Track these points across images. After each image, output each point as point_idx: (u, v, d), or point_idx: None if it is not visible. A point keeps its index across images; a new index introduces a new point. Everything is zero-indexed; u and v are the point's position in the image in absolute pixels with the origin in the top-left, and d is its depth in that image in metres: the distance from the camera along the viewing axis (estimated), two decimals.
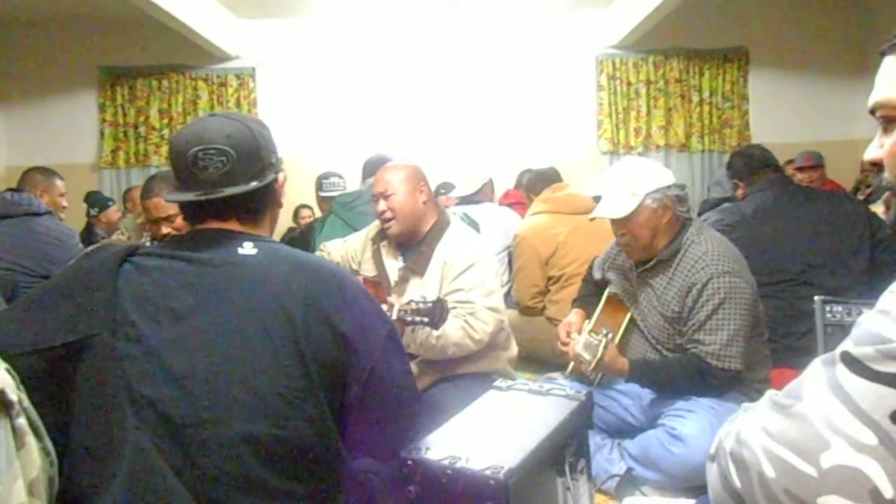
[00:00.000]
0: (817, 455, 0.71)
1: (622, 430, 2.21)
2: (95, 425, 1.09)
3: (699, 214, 5.34)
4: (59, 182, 3.43)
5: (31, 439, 0.81)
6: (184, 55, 6.74)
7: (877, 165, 0.87)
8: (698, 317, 1.99)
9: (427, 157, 6.74)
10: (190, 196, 1.24)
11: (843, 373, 0.72)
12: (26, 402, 0.83)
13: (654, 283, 2.14)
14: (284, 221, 6.80)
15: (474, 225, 3.58)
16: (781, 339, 2.85)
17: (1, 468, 0.75)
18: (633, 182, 2.09)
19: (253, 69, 6.93)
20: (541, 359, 3.32)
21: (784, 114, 7.01)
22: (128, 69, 6.86)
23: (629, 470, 2.00)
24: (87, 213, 5.23)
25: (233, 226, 1.27)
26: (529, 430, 1.36)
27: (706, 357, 1.96)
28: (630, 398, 2.20)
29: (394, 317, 2.08)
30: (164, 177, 2.62)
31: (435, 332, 2.09)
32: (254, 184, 1.27)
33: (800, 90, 7.07)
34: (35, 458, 0.81)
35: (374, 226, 2.60)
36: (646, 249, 2.14)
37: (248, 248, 1.22)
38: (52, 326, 1.13)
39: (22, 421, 0.81)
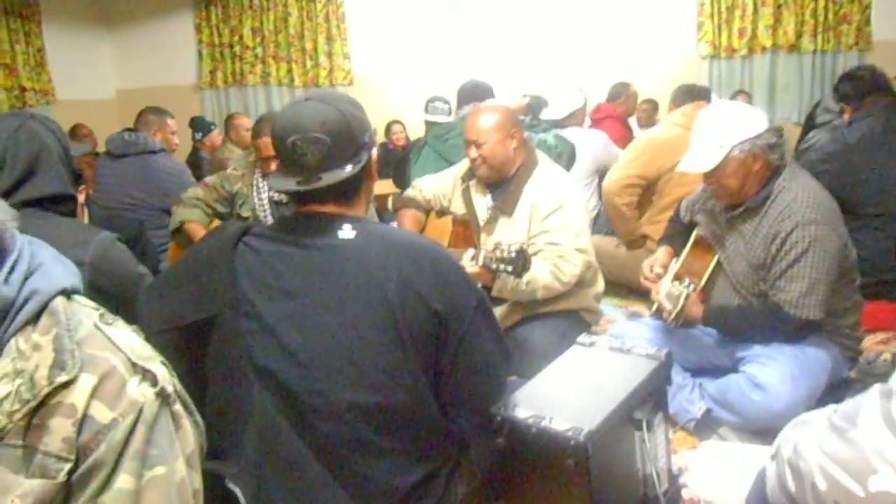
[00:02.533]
0: (866, 478, 0.78)
1: (704, 370, 2.27)
2: (226, 392, 1.28)
3: (804, 135, 5.07)
4: (170, 121, 3.66)
5: (185, 420, 0.98)
6: None
7: None
8: (781, 264, 1.99)
9: (518, 71, 6.62)
10: (292, 184, 1.36)
11: None
12: (179, 386, 1.00)
13: (742, 228, 2.13)
14: (378, 136, 6.93)
15: (568, 147, 3.54)
16: (881, 273, 2.78)
17: (165, 451, 0.92)
18: (720, 133, 2.04)
19: None
20: (628, 286, 3.37)
21: None
22: None
23: (708, 411, 2.08)
24: (193, 137, 5.52)
25: (330, 208, 1.38)
26: (610, 391, 1.46)
27: (784, 305, 1.97)
28: (713, 338, 2.24)
29: (480, 263, 2.18)
30: (273, 117, 2.76)
31: (525, 278, 2.18)
32: (349, 168, 1.37)
33: None
34: (189, 434, 0.98)
35: (464, 164, 2.66)
36: (735, 196, 2.12)
37: (347, 232, 1.34)
38: (183, 306, 1.32)
39: (178, 407, 0.97)
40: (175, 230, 2.80)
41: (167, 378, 0.97)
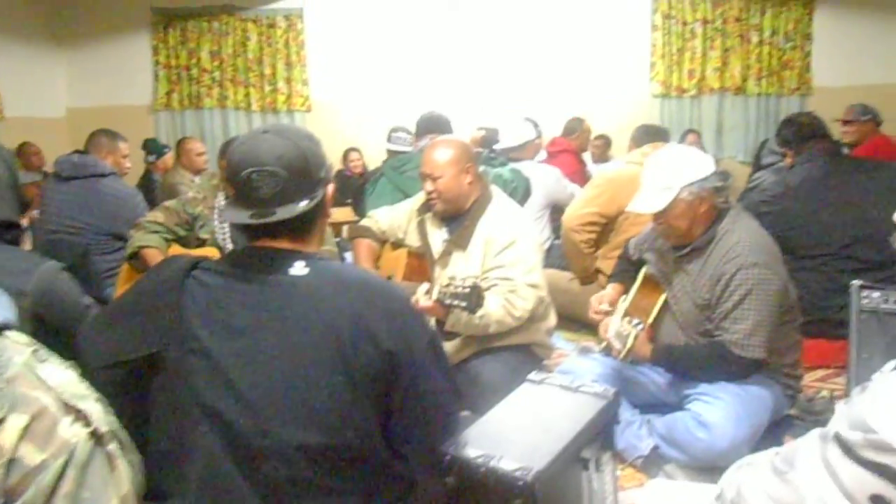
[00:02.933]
0: None
1: (652, 405, 2.31)
2: (170, 430, 1.25)
3: (751, 175, 5.26)
4: (122, 144, 3.60)
5: (120, 461, 0.96)
6: None
7: None
8: (725, 306, 2.05)
9: (475, 103, 6.73)
10: (245, 217, 1.34)
11: (835, 453, 0.81)
12: (116, 425, 0.97)
13: (688, 268, 2.19)
14: (334, 164, 6.93)
15: (523, 181, 3.58)
16: (819, 311, 2.88)
17: (98, 494, 0.89)
18: (669, 175, 2.11)
19: (301, 10, 6.93)
20: (580, 320, 3.41)
21: (849, 55, 6.72)
22: (179, 10, 6.95)
23: (655, 447, 2.12)
24: (145, 160, 5.44)
25: (284, 243, 1.37)
26: (558, 430, 1.47)
27: (729, 345, 2.03)
28: (661, 375, 2.29)
29: (434, 297, 2.19)
30: (229, 149, 2.75)
31: (478, 313, 2.20)
32: (304, 203, 1.36)
33: (868, 29, 6.74)
34: (124, 475, 0.96)
35: (420, 196, 2.68)
36: (682, 236, 2.19)
37: (299, 268, 1.32)
38: (129, 340, 1.28)
39: (113, 447, 0.95)
40: (131, 255, 2.74)
41: (102, 417, 0.94)
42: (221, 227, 2.74)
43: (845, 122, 5.12)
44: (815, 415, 2.40)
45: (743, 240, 2.06)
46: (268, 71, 7.02)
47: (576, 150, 5.71)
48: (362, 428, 1.27)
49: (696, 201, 2.11)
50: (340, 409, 1.24)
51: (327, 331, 1.26)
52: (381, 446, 1.32)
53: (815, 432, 0.86)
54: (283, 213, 1.34)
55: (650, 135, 3.68)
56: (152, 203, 4.93)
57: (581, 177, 5.34)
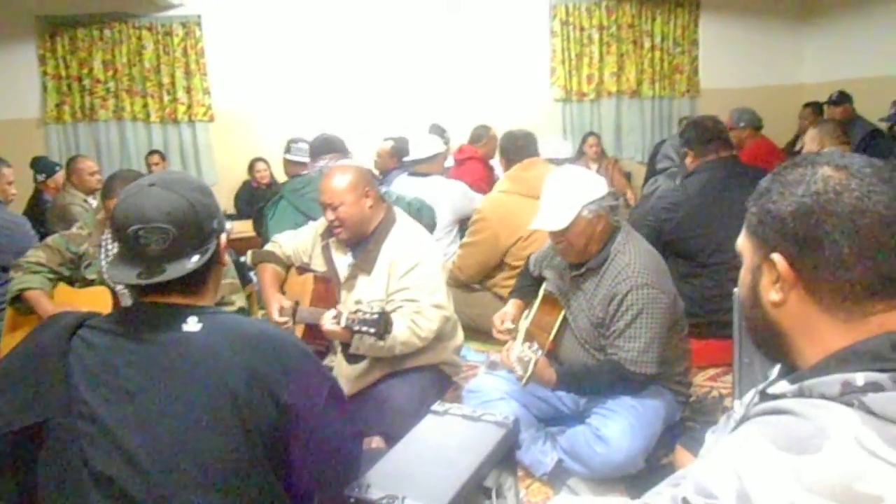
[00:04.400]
0: None
1: (555, 418, 2.41)
2: (59, 502, 1.21)
3: (646, 180, 5.50)
4: (6, 170, 3.41)
5: None
6: (124, 2, 6.51)
7: None
8: (618, 325, 2.17)
9: (380, 110, 6.73)
10: (132, 277, 1.31)
11: None
12: None
13: (584, 287, 2.30)
14: (240, 175, 6.78)
15: (427, 210, 3.62)
16: (711, 314, 3.06)
17: None
18: (570, 194, 2.21)
19: (199, 17, 6.71)
20: (487, 331, 3.49)
21: (733, 59, 7.13)
22: (66, 18, 6.58)
23: (559, 461, 2.21)
24: (34, 179, 5.14)
25: (175, 299, 1.35)
26: (461, 463, 1.52)
27: (624, 363, 2.15)
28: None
29: (342, 324, 2.21)
30: (124, 177, 2.65)
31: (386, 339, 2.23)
32: (195, 258, 1.33)
33: (748, 35, 7.18)
34: None
35: (323, 221, 2.68)
36: (580, 254, 2.29)
37: (192, 324, 1.30)
38: (10, 410, 1.23)
39: None
40: (14, 297, 2.59)
41: None
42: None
43: (731, 129, 5.43)
44: (705, 415, 2.57)
45: (633, 261, 2.18)
46: (166, 80, 6.76)
47: (483, 157, 5.80)
48: (263, 485, 1.27)
49: (594, 219, 2.22)
50: (239, 468, 1.24)
51: (222, 388, 1.25)
52: (284, 501, 1.33)
53: (668, 494, 0.91)
54: (173, 270, 1.32)
55: (518, 149, 3.69)
56: (44, 225, 4.71)
57: (488, 183, 5.43)
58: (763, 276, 0.91)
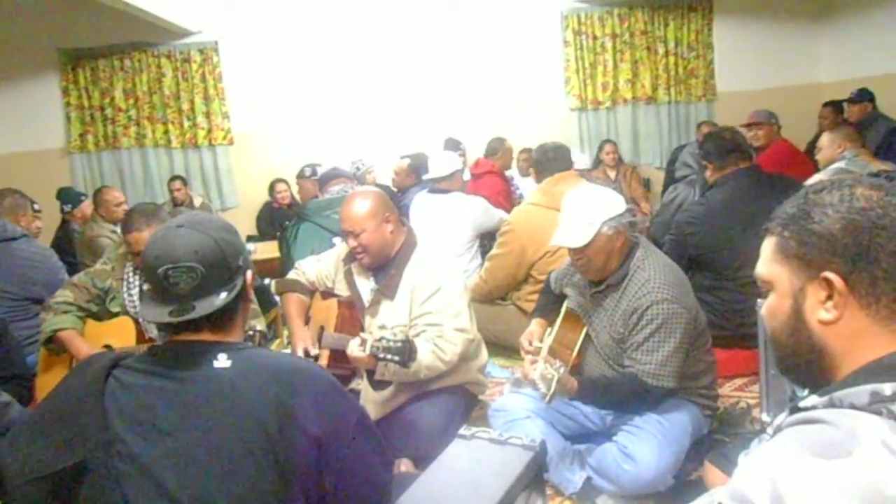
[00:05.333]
0: None
1: (582, 435, 2.41)
2: None
3: (665, 187, 5.48)
4: (32, 204, 3.49)
5: None
6: (143, 32, 6.63)
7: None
8: (637, 338, 2.18)
9: (396, 127, 6.79)
10: (164, 315, 1.36)
11: None
12: None
13: (605, 304, 2.31)
14: (261, 196, 6.87)
15: None
16: (738, 328, 3.04)
17: None
18: (590, 211, 2.22)
19: (216, 43, 6.84)
20: (511, 346, 3.50)
21: (748, 61, 7.09)
22: (87, 50, 6.74)
23: (588, 479, 2.22)
24: (61, 210, 5.25)
25: (205, 336, 1.39)
26: (488, 488, 1.54)
27: (643, 376, 2.16)
28: (589, 406, 2.39)
29: (367, 352, 2.23)
30: (142, 210, 2.71)
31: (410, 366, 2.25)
32: (224, 295, 1.38)
33: (763, 36, 7.13)
34: None
35: (345, 247, 2.71)
36: (600, 271, 2.30)
37: (222, 361, 1.34)
38: (51, 452, 1.27)
39: None
40: (47, 339, 2.65)
41: None
42: (131, 297, 2.71)
43: (753, 126, 5.39)
44: (734, 427, 2.55)
45: (653, 277, 2.19)
46: (186, 106, 6.89)
47: (500, 169, 5.83)
48: None
49: (614, 235, 2.23)
50: (271, 501, 1.27)
51: (254, 423, 1.28)
52: None
53: (704, 500, 0.93)
54: (203, 308, 1.36)
55: (548, 160, 3.68)
56: (73, 255, 4.81)
57: (506, 196, 5.46)
58: (808, 298, 0.93)
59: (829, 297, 0.90)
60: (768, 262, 0.99)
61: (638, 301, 2.17)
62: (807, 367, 0.96)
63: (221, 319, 1.41)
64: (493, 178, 5.54)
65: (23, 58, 6.74)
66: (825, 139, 3.75)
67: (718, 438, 2.46)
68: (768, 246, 1.00)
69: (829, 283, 0.90)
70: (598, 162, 6.70)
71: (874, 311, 0.89)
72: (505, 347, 3.56)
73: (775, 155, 4.98)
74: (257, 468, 1.27)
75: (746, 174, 3.29)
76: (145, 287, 2.66)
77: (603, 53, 7.00)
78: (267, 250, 5.53)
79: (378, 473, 1.46)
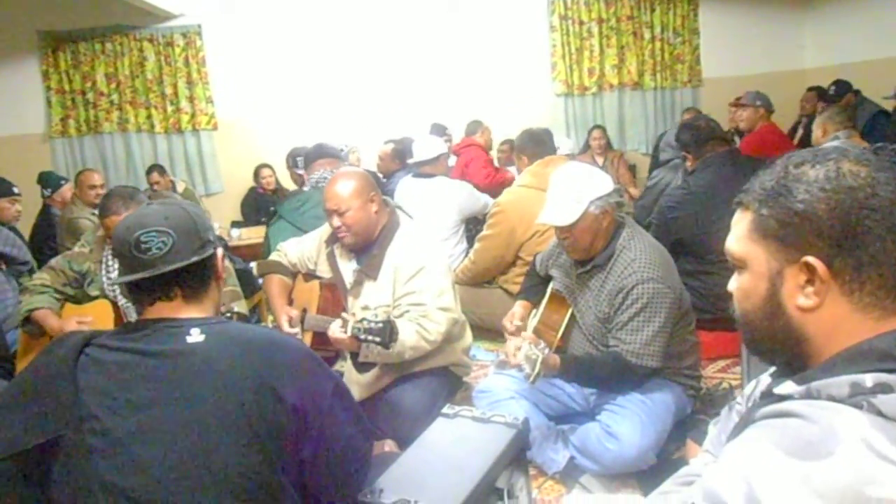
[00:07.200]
0: None
1: (566, 416, 2.42)
2: None
3: (650, 171, 5.48)
4: (11, 187, 3.43)
5: None
6: (125, 15, 6.53)
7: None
8: (622, 317, 2.17)
9: (381, 113, 6.74)
10: (137, 276, 1.34)
11: None
12: None
13: (590, 284, 2.30)
14: (246, 182, 6.81)
15: None
16: (723, 310, 3.03)
17: None
18: (578, 190, 2.21)
19: (199, 27, 6.75)
20: (497, 329, 3.49)
21: (734, 46, 7.09)
22: (68, 33, 6.63)
23: (571, 458, 2.22)
24: (42, 194, 5.19)
25: (178, 304, 1.38)
26: (472, 465, 1.54)
27: (626, 355, 2.15)
28: (573, 386, 2.39)
29: (348, 333, 2.22)
30: (119, 194, 2.68)
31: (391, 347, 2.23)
32: (195, 258, 1.38)
33: (749, 22, 7.14)
34: None
35: (327, 228, 2.68)
36: (586, 251, 2.29)
37: (195, 336, 1.33)
38: (22, 430, 1.26)
39: None
40: (24, 320, 2.62)
41: None
42: (110, 280, 2.68)
43: (738, 106, 5.39)
44: (716, 408, 2.56)
45: (639, 257, 2.18)
46: (169, 91, 6.80)
47: (483, 145, 5.83)
48: (274, 487, 1.29)
49: (601, 215, 2.22)
50: (249, 472, 1.25)
51: (229, 395, 1.27)
52: (295, 503, 1.34)
53: (678, 498, 0.92)
54: (175, 265, 1.35)
55: (536, 144, 3.70)
56: (54, 239, 4.75)
57: (490, 167, 5.44)
58: (786, 282, 0.87)
59: (810, 283, 0.84)
60: (742, 240, 0.93)
61: (623, 281, 2.17)
62: (782, 352, 0.91)
63: (194, 287, 1.40)
64: (477, 149, 5.55)
65: (2, 40, 6.62)
66: (817, 121, 3.76)
67: (701, 419, 2.47)
68: (743, 221, 0.94)
69: (810, 267, 0.84)
70: (586, 147, 6.70)
71: (857, 298, 0.83)
72: (490, 330, 3.55)
73: (759, 138, 5.00)
74: (234, 440, 1.26)
75: (726, 158, 3.30)
76: (117, 266, 2.66)
77: (589, 38, 6.98)
78: (252, 235, 5.50)
79: (356, 442, 1.45)
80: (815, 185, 0.84)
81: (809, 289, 0.85)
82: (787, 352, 0.91)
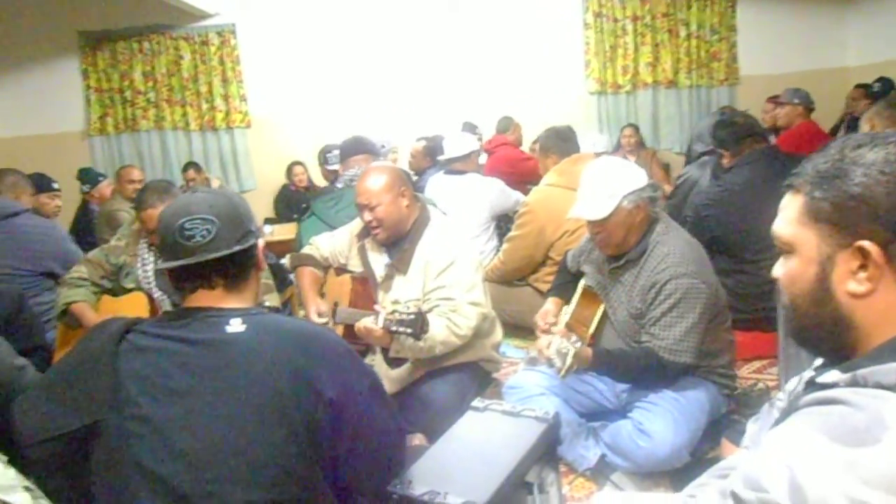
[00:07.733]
0: None
1: (597, 413, 2.38)
2: (112, 500, 1.25)
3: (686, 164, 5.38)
4: (51, 183, 3.50)
5: None
6: (162, 15, 6.64)
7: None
8: (654, 312, 2.14)
9: (413, 110, 6.75)
10: (179, 262, 1.35)
11: None
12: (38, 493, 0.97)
13: (623, 280, 2.27)
14: (279, 179, 6.88)
15: None
16: (760, 310, 2.98)
17: None
18: (611, 184, 2.18)
19: (233, 25, 6.84)
20: (527, 327, 3.47)
21: (773, 44, 6.95)
22: (107, 33, 6.77)
23: (602, 456, 2.19)
24: (81, 190, 5.30)
25: (219, 294, 1.39)
26: (501, 458, 1.51)
27: (660, 351, 2.11)
28: (604, 383, 2.36)
29: (379, 325, 2.22)
30: (155, 188, 2.71)
31: (422, 338, 2.23)
32: (237, 247, 1.38)
33: (789, 19, 6.99)
34: None
35: (359, 223, 2.69)
36: (619, 246, 2.26)
37: (235, 326, 1.34)
38: (65, 413, 1.28)
39: None
40: (62, 312, 2.67)
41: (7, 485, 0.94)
42: (145, 272, 2.71)
43: (776, 103, 5.29)
44: (751, 408, 2.50)
45: (673, 252, 2.14)
46: (204, 89, 6.91)
47: (514, 143, 5.80)
48: (308, 480, 1.29)
49: (634, 210, 2.19)
50: (284, 464, 1.26)
51: (267, 387, 1.28)
52: (329, 496, 1.34)
53: (716, 487, 0.89)
54: (218, 254, 1.36)
55: (562, 140, 3.65)
56: (93, 234, 4.84)
57: (524, 164, 5.39)
58: (837, 267, 0.85)
59: (863, 268, 0.82)
60: (792, 223, 0.91)
61: (657, 275, 2.13)
62: (829, 340, 0.89)
63: (235, 276, 1.41)
64: (509, 148, 5.53)
65: (43, 41, 6.79)
66: (864, 117, 3.67)
67: (736, 419, 2.41)
68: (793, 205, 0.91)
69: (864, 252, 0.82)
70: (618, 145, 6.62)
71: None
72: (520, 328, 3.53)
73: (796, 135, 4.89)
74: (271, 430, 1.26)
75: (764, 155, 3.23)
76: (152, 260, 2.69)
77: (624, 36, 6.90)
78: (284, 231, 5.55)
79: (391, 438, 1.46)
80: (873, 167, 0.82)
81: (862, 274, 0.83)
82: (833, 340, 0.88)
